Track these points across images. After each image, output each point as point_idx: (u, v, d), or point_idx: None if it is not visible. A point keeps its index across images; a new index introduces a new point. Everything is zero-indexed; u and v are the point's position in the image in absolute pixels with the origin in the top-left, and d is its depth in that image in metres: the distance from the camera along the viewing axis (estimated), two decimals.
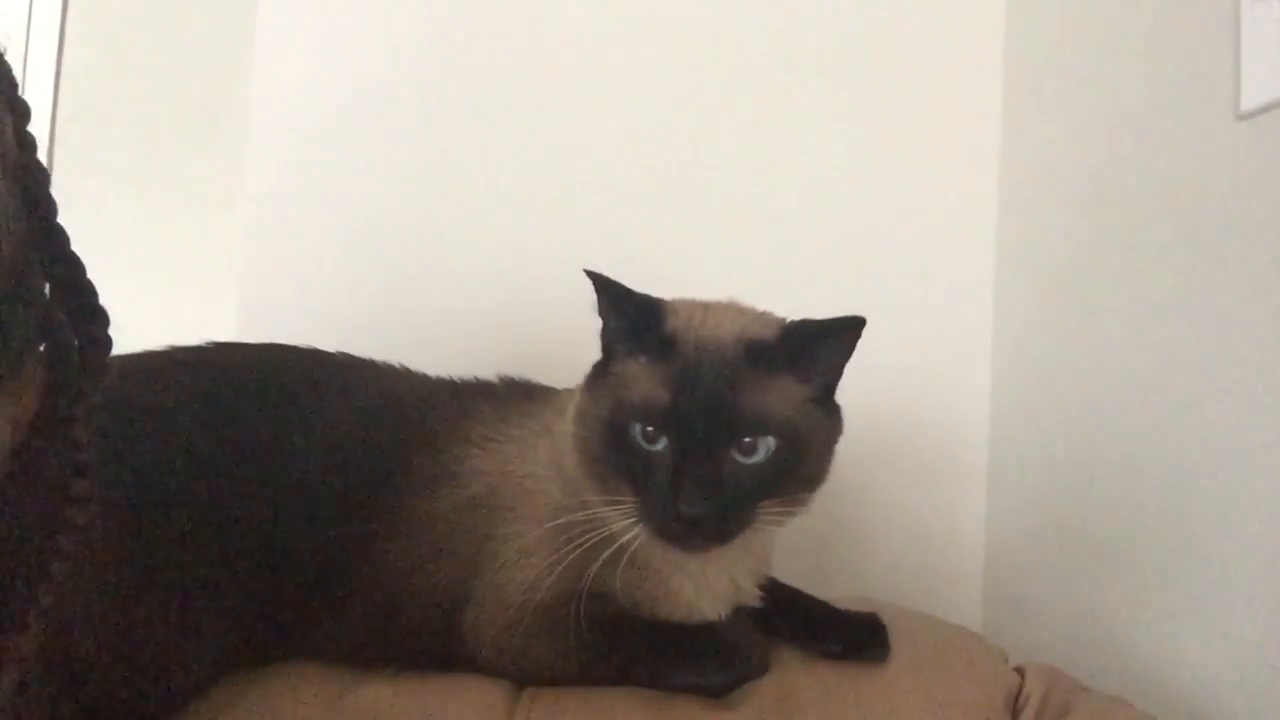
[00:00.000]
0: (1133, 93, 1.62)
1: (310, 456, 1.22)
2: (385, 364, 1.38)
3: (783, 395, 1.13)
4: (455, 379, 1.37)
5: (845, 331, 1.14)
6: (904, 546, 1.94)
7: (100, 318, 0.76)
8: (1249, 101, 1.38)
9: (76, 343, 0.73)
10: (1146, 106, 1.58)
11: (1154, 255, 1.54)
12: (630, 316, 1.18)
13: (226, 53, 2.04)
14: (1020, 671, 1.26)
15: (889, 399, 1.92)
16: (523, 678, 1.16)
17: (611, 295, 1.18)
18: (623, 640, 1.15)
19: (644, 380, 1.15)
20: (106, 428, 1.13)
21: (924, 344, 1.96)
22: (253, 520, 1.18)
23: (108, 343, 0.76)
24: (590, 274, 1.18)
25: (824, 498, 1.89)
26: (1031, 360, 1.85)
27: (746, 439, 1.09)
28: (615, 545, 1.12)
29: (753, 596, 1.26)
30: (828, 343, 1.15)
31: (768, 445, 1.10)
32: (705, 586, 1.21)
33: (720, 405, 1.10)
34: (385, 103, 1.90)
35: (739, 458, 1.10)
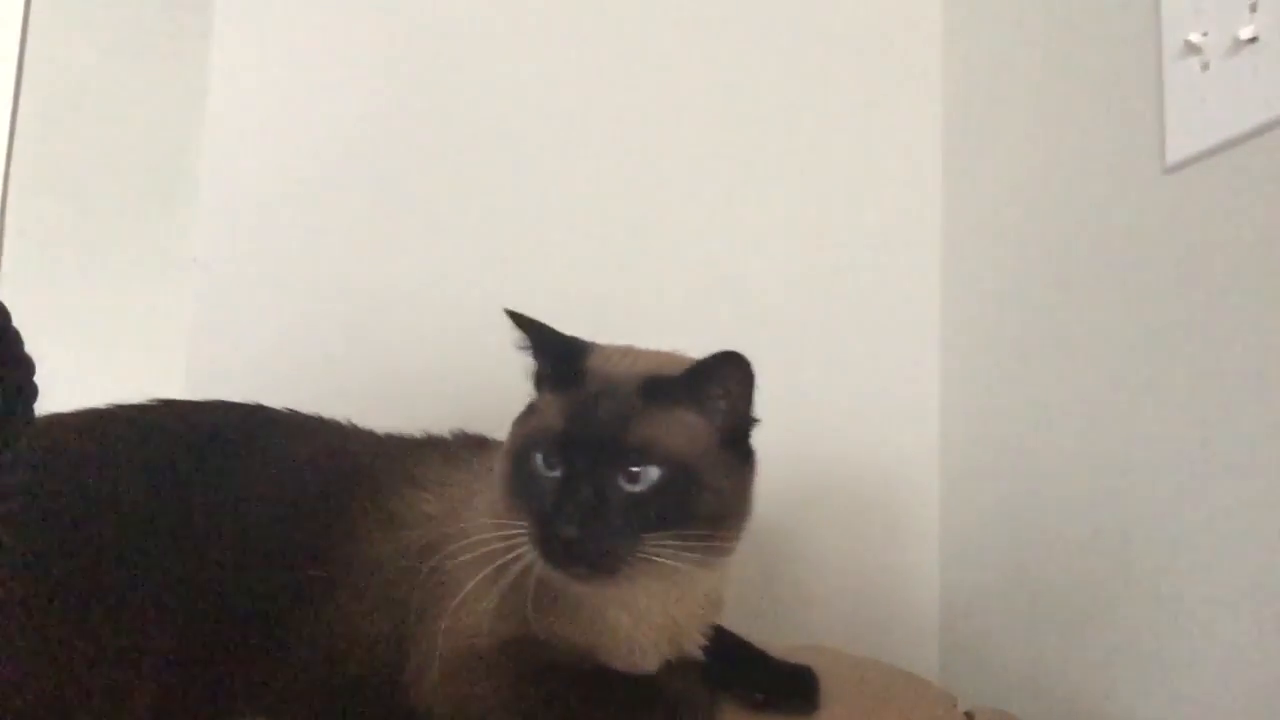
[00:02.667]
0: (1065, 148, 1.69)
1: (250, 508, 1.21)
2: (333, 420, 1.38)
3: (675, 429, 1.14)
4: (405, 433, 1.37)
5: (726, 367, 1.14)
6: (859, 596, 1.93)
7: (25, 366, 0.75)
8: (1174, 155, 1.43)
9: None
10: (1078, 161, 1.64)
11: (1089, 303, 1.58)
12: (551, 355, 1.21)
13: (178, 120, 2.05)
14: (970, 716, 1.25)
15: (838, 449, 1.94)
16: None
17: (533, 334, 1.21)
18: (563, 691, 1.13)
19: (549, 411, 1.17)
20: (38, 480, 1.15)
21: (872, 394, 1.98)
22: (187, 573, 1.16)
23: (32, 391, 0.75)
24: (511, 314, 1.20)
25: (773, 546, 1.93)
26: (979, 408, 1.88)
27: (633, 467, 1.09)
28: (533, 576, 1.11)
29: (695, 642, 1.24)
30: (716, 379, 1.15)
31: (654, 474, 1.10)
32: (641, 617, 1.19)
33: (607, 432, 1.11)
34: (335, 167, 1.90)
35: (624, 485, 1.09)
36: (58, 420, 1.22)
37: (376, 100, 1.94)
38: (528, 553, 1.10)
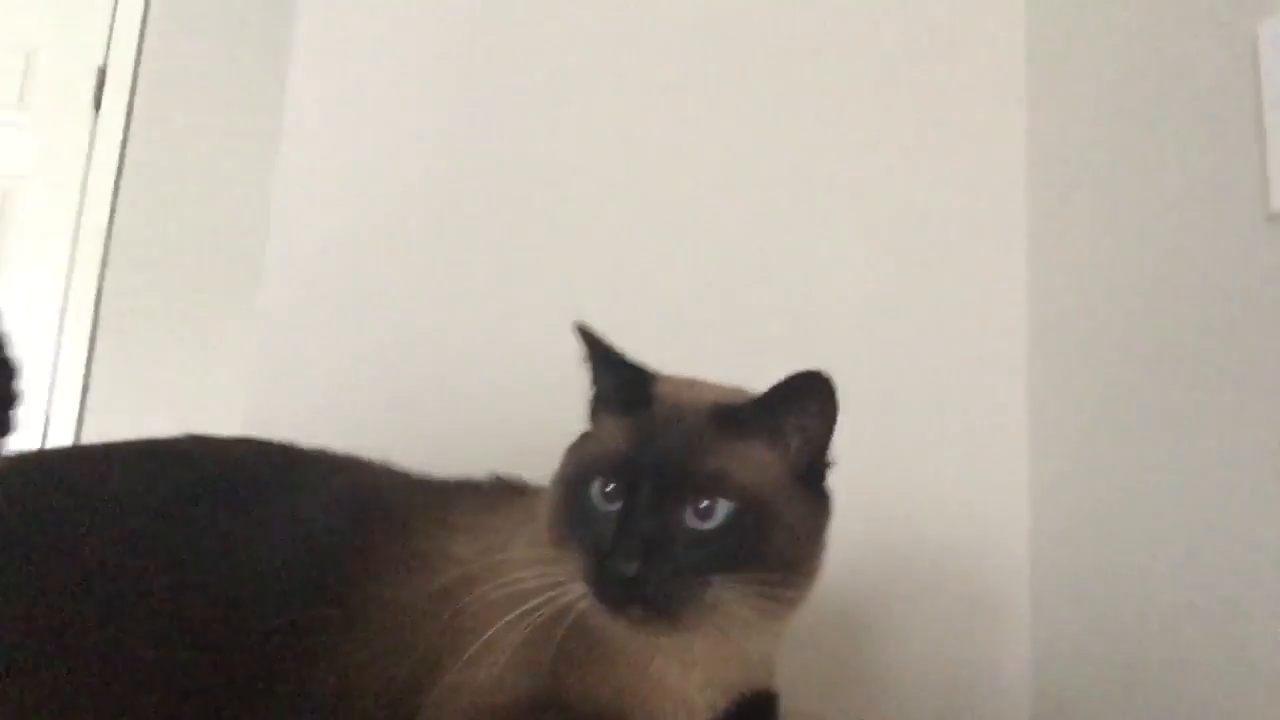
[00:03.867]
0: (1160, 196, 1.58)
1: (265, 547, 1.14)
2: (366, 459, 1.31)
3: (748, 461, 1.04)
4: (440, 476, 1.30)
5: (808, 391, 1.04)
6: (945, 688, 1.78)
7: (5, 369, 0.70)
8: (1279, 201, 1.33)
9: None
10: (1174, 209, 1.54)
11: (1188, 363, 1.46)
12: (617, 379, 1.13)
13: (251, 176, 2.09)
14: None
15: (922, 532, 1.81)
16: None
17: (601, 355, 1.13)
18: None
19: (612, 435, 1.08)
20: (45, 512, 1.12)
21: (958, 475, 1.86)
22: (187, 617, 1.08)
23: (10, 397, 0.71)
24: (581, 330, 1.13)
25: (856, 633, 1.80)
26: (1071, 488, 1.74)
27: (703, 501, 1.00)
28: (569, 619, 1.00)
29: (741, 695, 1.11)
30: (794, 406, 1.05)
31: (726, 509, 1.00)
32: (691, 670, 1.06)
33: (675, 461, 1.02)
34: (397, 219, 1.91)
35: (693, 521, 1.00)
36: (68, 451, 1.19)
37: (439, 152, 1.94)
38: (567, 591, 1.01)
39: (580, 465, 1.09)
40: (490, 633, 1.04)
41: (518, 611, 1.02)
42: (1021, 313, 1.91)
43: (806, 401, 1.06)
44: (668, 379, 1.15)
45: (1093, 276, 1.75)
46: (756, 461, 1.05)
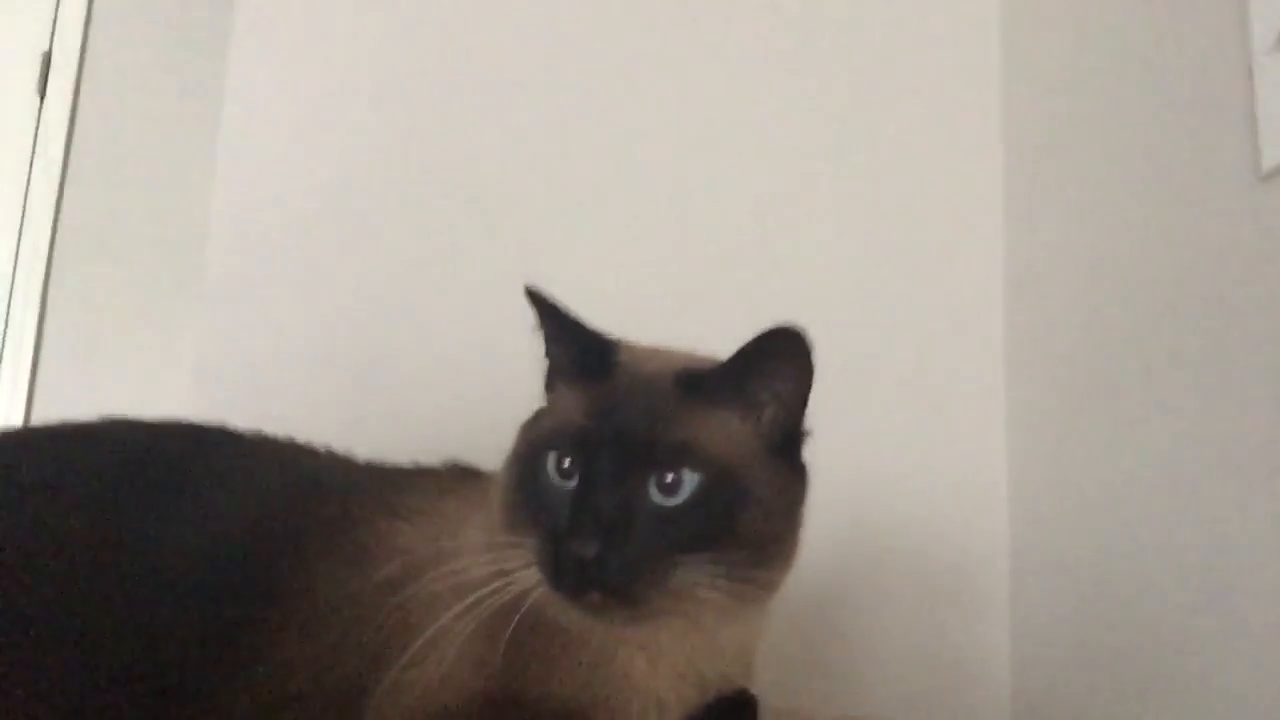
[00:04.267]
0: (1144, 156, 1.52)
1: (192, 539, 1.04)
2: (309, 445, 1.21)
3: (717, 431, 0.96)
4: (390, 462, 1.21)
5: (782, 350, 0.96)
6: (925, 668, 1.74)
7: None
8: (1271, 160, 1.26)
9: None
10: (1160, 170, 1.47)
11: (1173, 334, 1.39)
12: (574, 347, 1.03)
13: (196, 156, 2.04)
14: None
15: (900, 513, 1.77)
16: None
17: (556, 321, 1.03)
18: None
19: (568, 409, 0.99)
20: None
21: (936, 458, 1.82)
22: (118, 608, 0.99)
23: None
24: (532, 294, 1.03)
25: (830, 619, 1.73)
26: (1050, 470, 1.70)
27: (668, 474, 0.91)
28: (523, 610, 0.91)
29: (715, 693, 1.02)
30: (767, 369, 0.97)
31: (693, 482, 0.91)
32: (658, 662, 0.97)
33: (637, 431, 0.93)
34: (343, 198, 1.84)
35: (658, 497, 0.91)
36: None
37: (382, 128, 1.87)
38: (520, 579, 0.92)
39: (533, 441, 1.00)
40: (435, 627, 0.95)
41: (465, 603, 0.93)
42: (998, 287, 1.86)
43: (780, 362, 0.97)
44: (630, 347, 1.07)
45: (1073, 246, 1.69)
46: (726, 431, 0.97)
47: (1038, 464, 1.74)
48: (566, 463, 0.94)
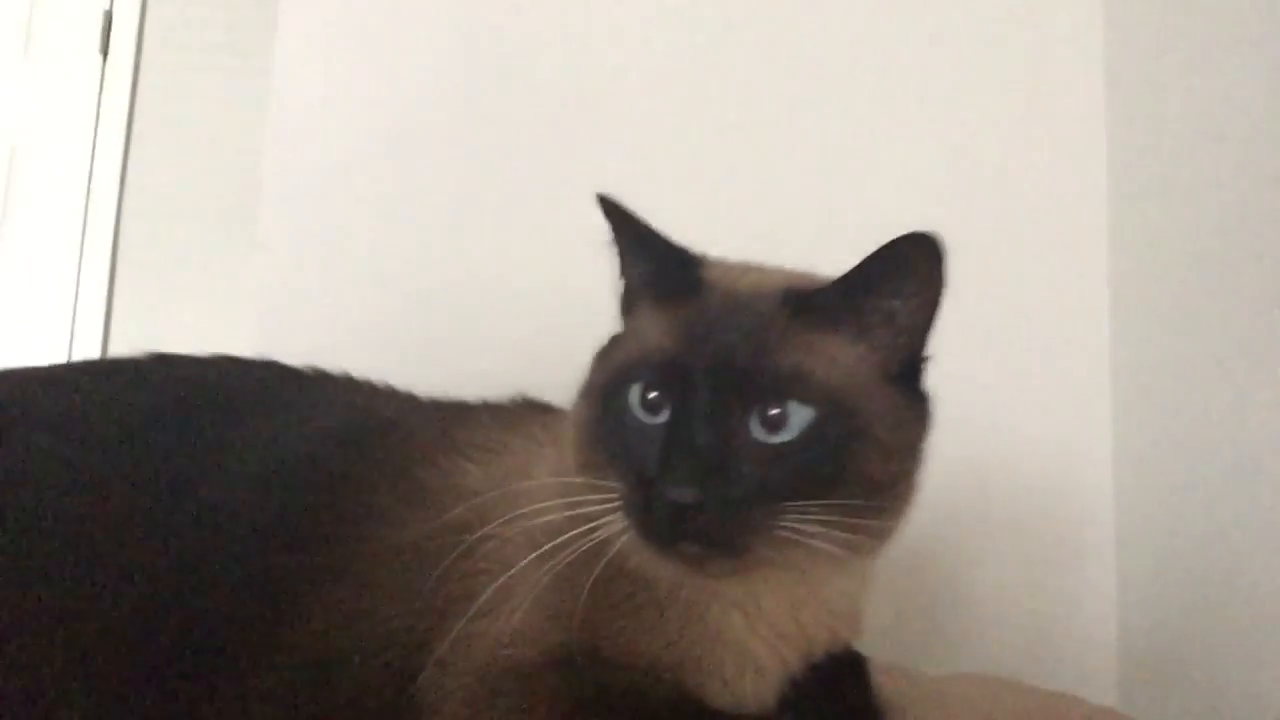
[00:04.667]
0: (1246, 86, 1.36)
1: (244, 479, 0.95)
2: (366, 380, 1.11)
3: (831, 357, 0.82)
4: (454, 398, 1.10)
5: (910, 262, 0.82)
6: (1029, 621, 1.64)
7: None
8: None
9: None
10: (1265, 100, 1.32)
11: None
12: (654, 263, 0.91)
13: (249, 101, 1.99)
14: None
15: (1002, 464, 1.66)
16: None
17: (633, 234, 0.91)
18: None
19: (652, 333, 0.86)
20: None
21: (1039, 404, 1.71)
22: (155, 553, 0.90)
23: None
24: (605, 202, 0.91)
25: (935, 569, 1.66)
26: (1155, 415, 1.59)
27: (774, 407, 0.78)
28: (606, 560, 0.80)
29: (819, 655, 0.90)
30: (891, 284, 0.83)
31: (803, 418, 0.79)
32: (758, 620, 0.86)
33: (738, 359, 0.80)
34: (401, 135, 1.77)
35: (762, 434, 0.79)
36: (20, 372, 1.02)
37: (436, 63, 1.79)
38: (603, 525, 0.81)
39: (614, 371, 0.87)
40: (508, 575, 0.85)
41: (541, 550, 0.83)
42: (1103, 230, 1.72)
43: (907, 275, 0.83)
44: (718, 263, 0.93)
45: (1181, 197, 1.55)
46: (841, 357, 0.83)
47: (1143, 412, 1.64)
48: (654, 395, 0.82)
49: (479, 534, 0.88)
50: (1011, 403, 1.69)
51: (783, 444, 0.78)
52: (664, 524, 0.77)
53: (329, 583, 0.90)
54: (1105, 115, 1.75)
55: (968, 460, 1.59)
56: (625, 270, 0.93)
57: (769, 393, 0.79)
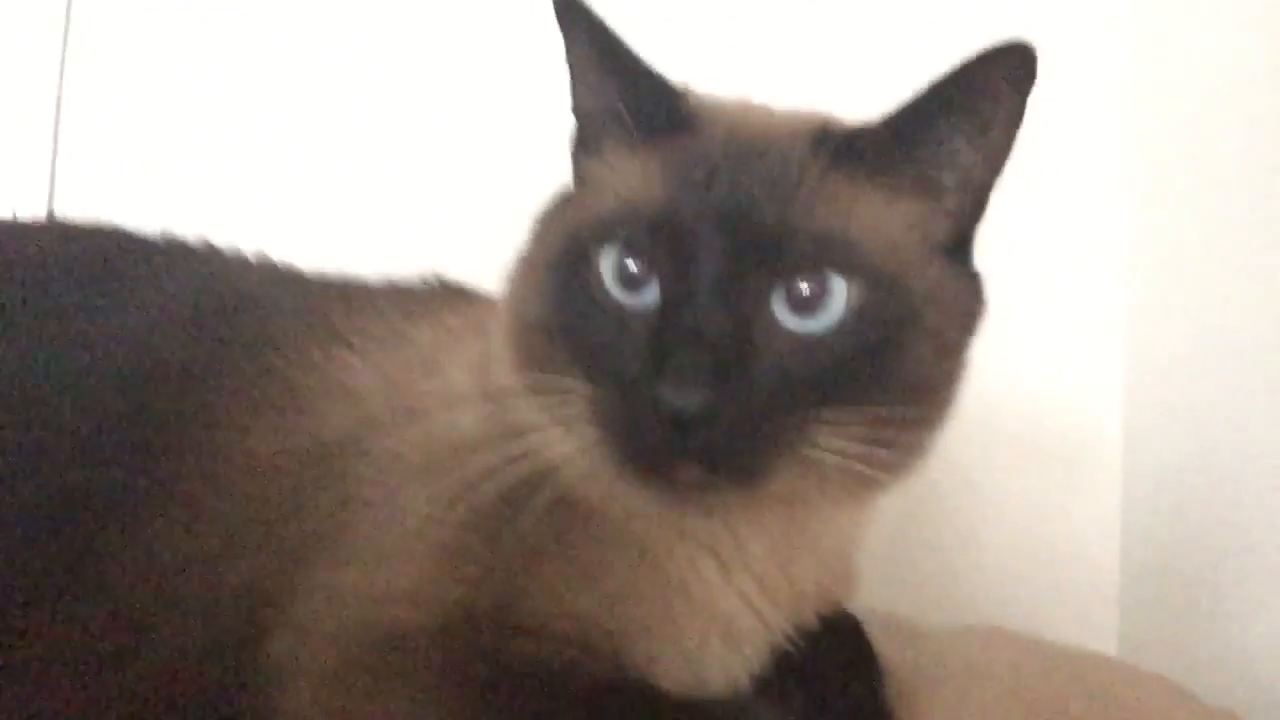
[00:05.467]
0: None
1: (64, 376, 0.72)
2: (236, 250, 0.86)
3: (881, 220, 0.61)
4: (347, 277, 0.84)
5: (997, 87, 0.60)
6: (1031, 547, 1.55)
7: None
8: None
9: None
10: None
11: None
12: (627, 86, 0.66)
13: None
14: None
15: (1010, 387, 1.54)
16: None
17: (597, 44, 0.66)
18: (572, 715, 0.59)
19: (629, 181, 0.63)
20: None
21: (1051, 326, 1.60)
22: None
23: None
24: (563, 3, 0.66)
25: (932, 487, 1.49)
26: (1168, 343, 1.51)
27: (806, 281, 0.57)
28: (545, 492, 0.59)
29: (808, 619, 0.69)
30: (969, 120, 0.61)
31: (844, 298, 0.58)
32: (740, 566, 0.64)
33: (758, 215, 0.58)
34: None
35: (789, 317, 0.58)
36: None
37: None
38: (563, 440, 0.59)
39: (572, 234, 0.64)
40: (395, 508, 0.63)
41: (452, 477, 0.62)
42: (1123, 160, 1.59)
43: (986, 109, 0.61)
44: (707, 98, 0.69)
45: (1198, 124, 1.45)
46: (892, 220, 0.62)
47: (1154, 339, 1.57)
48: (636, 264, 0.60)
49: (363, 456, 0.66)
50: (1022, 326, 1.55)
51: (817, 332, 0.58)
52: (658, 439, 0.55)
53: (151, 511, 0.66)
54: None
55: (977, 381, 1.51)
56: (583, 98, 0.68)
57: (802, 262, 0.58)
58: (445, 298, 0.81)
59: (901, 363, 0.58)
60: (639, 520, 0.62)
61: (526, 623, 0.60)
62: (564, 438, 0.60)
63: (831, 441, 0.56)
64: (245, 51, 1.51)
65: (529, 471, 0.59)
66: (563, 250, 0.63)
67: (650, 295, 0.59)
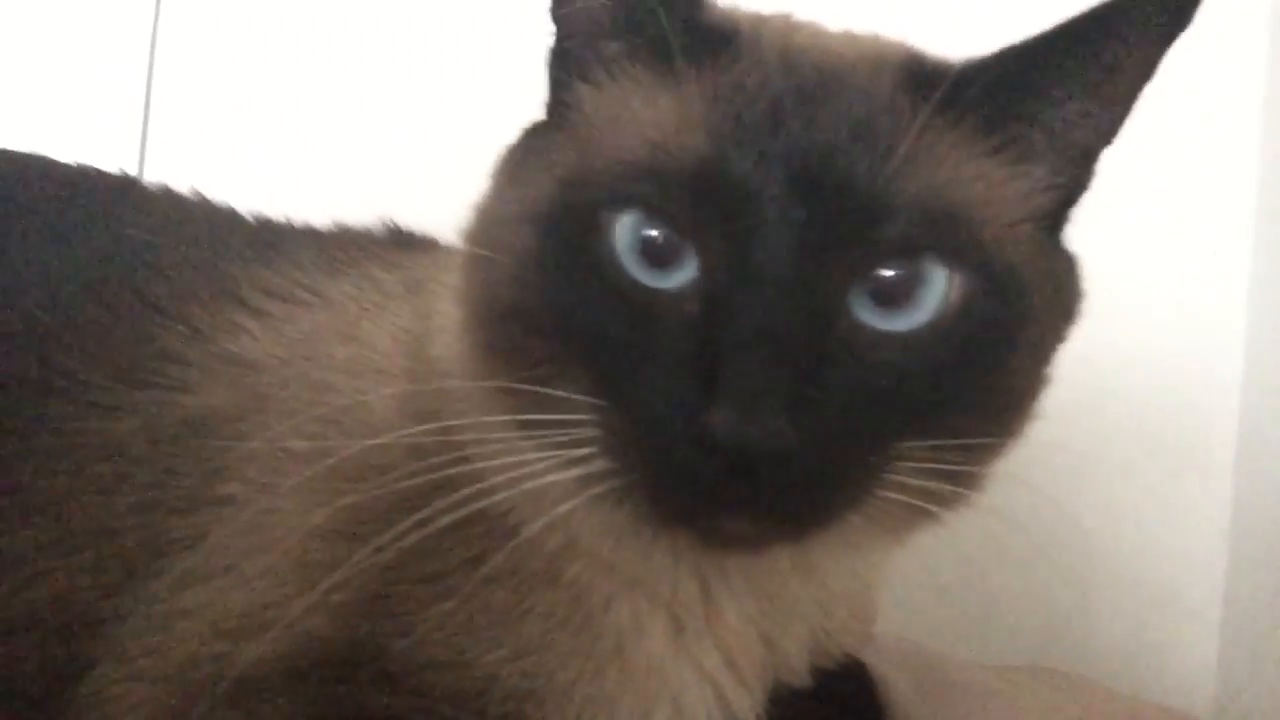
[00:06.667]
0: None
1: None
2: (170, 195, 0.71)
3: (990, 187, 0.46)
4: (272, 219, 0.70)
5: (1141, 25, 0.45)
6: (1133, 548, 1.39)
7: None
8: None
9: None
10: None
11: None
12: None
13: None
14: None
15: (1124, 386, 1.42)
16: None
17: None
18: None
19: (653, 117, 0.46)
20: None
21: (1170, 322, 1.45)
22: None
23: None
24: None
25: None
26: None
27: (898, 266, 0.43)
28: (466, 499, 0.44)
29: (799, 678, 0.54)
30: (1102, 66, 0.46)
31: (943, 289, 0.43)
32: (697, 624, 0.50)
33: (845, 173, 0.43)
34: None
35: (870, 314, 0.43)
36: None
37: None
38: (544, 477, 0.44)
39: (572, 183, 0.47)
40: (263, 512, 0.50)
41: (339, 471, 0.48)
42: (1253, 169, 1.41)
43: (1125, 53, 0.46)
44: (749, 15, 0.52)
45: None
46: (1002, 188, 0.47)
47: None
48: (665, 235, 0.44)
49: (233, 434, 0.52)
50: (1141, 310, 1.41)
51: (903, 333, 0.43)
52: (709, 481, 0.41)
53: None
54: None
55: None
56: (567, 9, 0.51)
57: (900, 241, 0.43)
58: (384, 247, 0.66)
59: (998, 374, 0.45)
60: (574, 556, 0.48)
61: (402, 670, 0.46)
62: (550, 469, 0.44)
63: (912, 480, 0.42)
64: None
65: (442, 477, 0.45)
66: (551, 209, 0.47)
67: (684, 276, 0.44)
